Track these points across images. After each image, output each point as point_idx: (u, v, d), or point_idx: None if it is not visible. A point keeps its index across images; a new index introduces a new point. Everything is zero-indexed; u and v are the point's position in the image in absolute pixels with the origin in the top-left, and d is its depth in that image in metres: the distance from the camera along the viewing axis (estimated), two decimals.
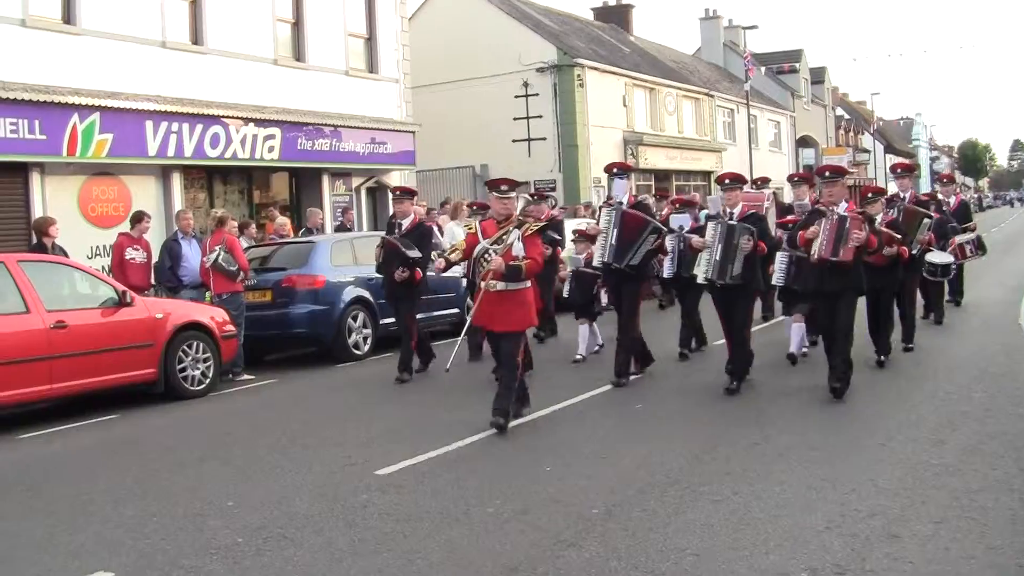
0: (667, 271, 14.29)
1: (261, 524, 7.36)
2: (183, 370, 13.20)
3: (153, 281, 16.06)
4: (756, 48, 58.73)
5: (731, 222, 11.48)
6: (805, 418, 10.25)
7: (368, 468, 8.89)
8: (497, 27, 37.66)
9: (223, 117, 22.28)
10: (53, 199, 18.94)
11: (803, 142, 62.61)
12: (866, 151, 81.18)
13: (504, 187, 10.44)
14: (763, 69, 57.89)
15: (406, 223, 14.09)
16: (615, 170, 12.77)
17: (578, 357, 14.67)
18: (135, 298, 12.90)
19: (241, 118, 22.72)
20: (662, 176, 43.38)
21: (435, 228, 16.86)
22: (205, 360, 13.43)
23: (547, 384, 12.55)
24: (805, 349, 13.82)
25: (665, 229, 12.97)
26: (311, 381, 13.42)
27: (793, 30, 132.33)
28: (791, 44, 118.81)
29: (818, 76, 67.56)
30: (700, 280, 11.74)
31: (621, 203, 12.49)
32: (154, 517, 7.71)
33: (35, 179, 18.90)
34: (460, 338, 11.09)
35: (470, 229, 10.87)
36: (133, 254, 15.72)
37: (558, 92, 37.55)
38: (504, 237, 10.12)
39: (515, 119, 36.90)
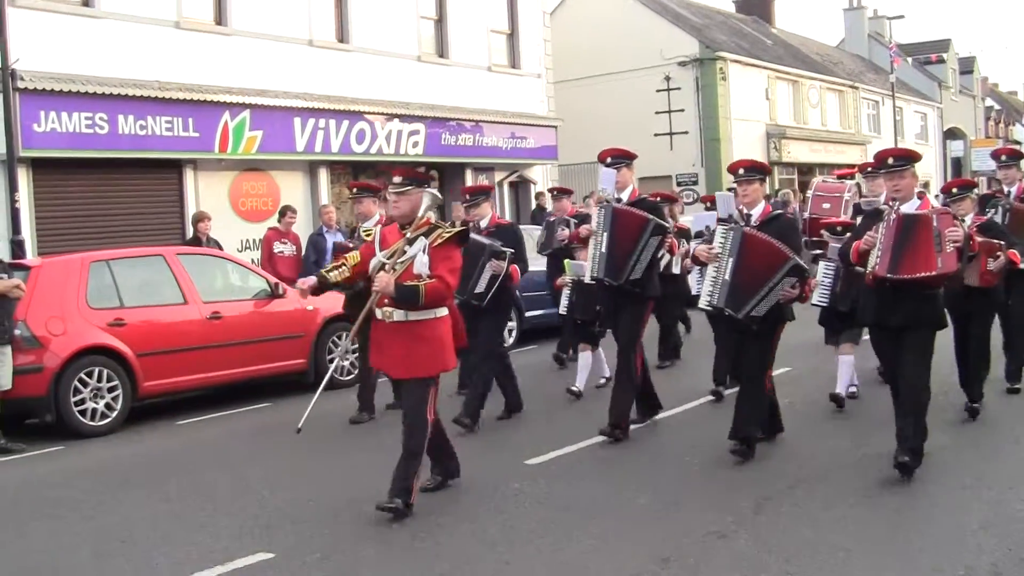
0: (694, 287, 11.19)
1: (415, 511, 7.37)
2: (332, 360, 13.23)
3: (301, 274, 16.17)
4: (902, 38, 57.18)
5: (747, 228, 8.37)
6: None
7: (518, 457, 8.89)
8: (639, 21, 37.18)
9: (368, 113, 22.44)
10: (205, 194, 19.27)
11: (951, 134, 60.55)
12: (1017, 143, 78.23)
13: (398, 179, 7.46)
14: (909, 60, 56.06)
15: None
16: (608, 159, 9.54)
17: (574, 389, 11.72)
18: (287, 290, 12.95)
19: (386, 114, 22.85)
20: (805, 170, 42.30)
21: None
22: (354, 351, 13.42)
23: (690, 375, 12.19)
24: (854, 388, 10.75)
25: (670, 227, 9.99)
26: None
27: (941, 19, 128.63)
28: (938, 33, 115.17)
29: (967, 66, 65.19)
30: (702, 305, 8.75)
31: (620, 199, 9.48)
32: (310, 502, 7.87)
33: (188, 175, 19.30)
34: (318, 391, 7.86)
35: (368, 236, 8.66)
36: (281, 247, 15.88)
37: (700, 86, 36.93)
38: (405, 248, 7.31)
39: (657, 113, 36.40)
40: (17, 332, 10.90)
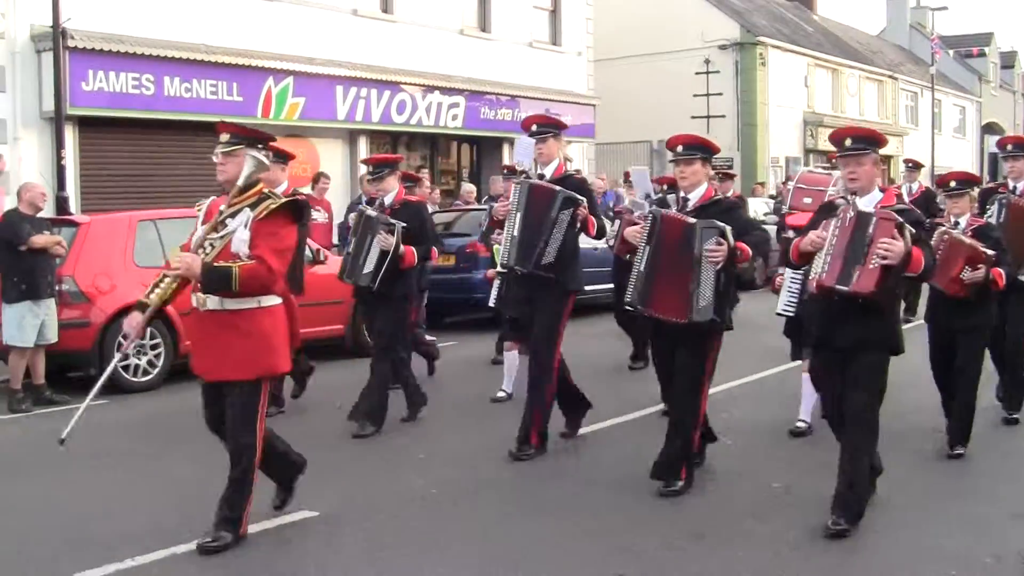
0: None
1: (453, 478, 7.56)
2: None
3: (336, 241, 16.27)
4: (944, 30, 56.46)
5: (676, 214, 7.04)
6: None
7: (551, 430, 8.67)
8: (680, 3, 37.00)
9: (409, 84, 22.52)
10: None
11: (989, 129, 60.02)
12: None
13: (225, 136, 6.35)
14: (950, 52, 55.62)
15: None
16: (533, 127, 8.31)
17: (500, 395, 10.58)
18: (328, 256, 13.05)
19: (427, 86, 22.92)
20: None
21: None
22: None
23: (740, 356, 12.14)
24: (801, 424, 8.91)
25: (581, 199, 8.05)
26: (487, 345, 13.38)
27: (984, 11, 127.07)
28: (981, 26, 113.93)
29: (1008, 60, 64.50)
30: (628, 304, 7.33)
31: (542, 175, 8.25)
32: (353, 462, 7.94)
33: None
34: (86, 400, 6.34)
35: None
36: (315, 215, 15.91)
37: (739, 70, 36.82)
38: (226, 221, 6.06)
39: (695, 96, 36.29)
40: (65, 287, 11.10)
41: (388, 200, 9.34)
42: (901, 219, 6.07)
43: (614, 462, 8.01)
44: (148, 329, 11.33)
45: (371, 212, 9.22)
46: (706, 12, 37.12)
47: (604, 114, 28.78)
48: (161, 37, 17.80)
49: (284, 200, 6.03)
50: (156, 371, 11.56)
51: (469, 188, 20.35)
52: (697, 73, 36.36)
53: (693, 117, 36.02)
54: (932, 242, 7.36)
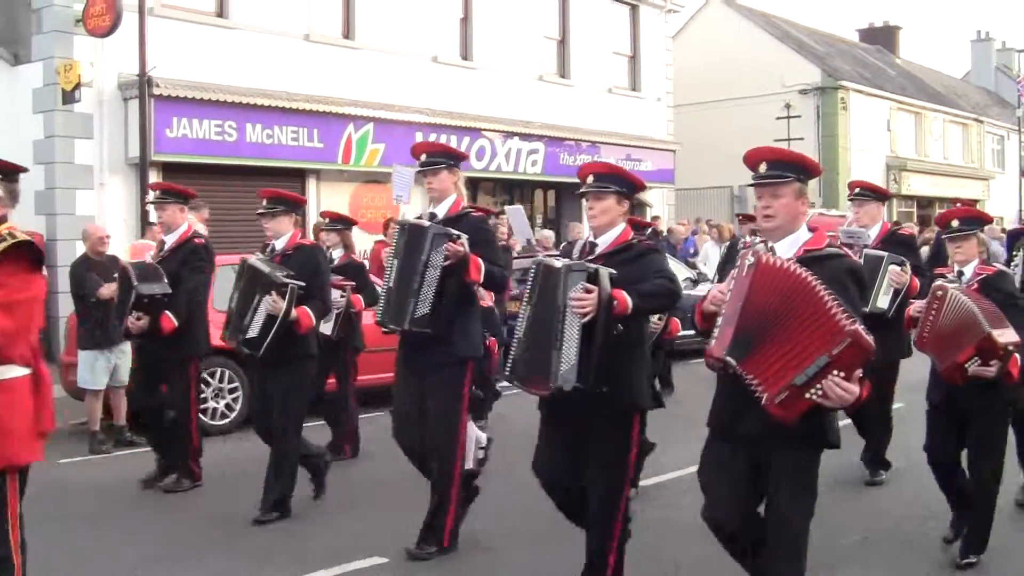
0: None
1: (513, 525, 7.44)
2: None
3: None
4: None
5: (578, 265, 5.50)
6: None
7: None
8: (760, 48, 36.75)
9: (489, 131, 22.51)
10: (327, 204, 19.33)
11: None
12: None
13: None
14: None
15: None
16: (423, 156, 6.92)
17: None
18: None
19: (506, 132, 22.90)
20: (925, 203, 41.37)
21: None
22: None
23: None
24: None
25: (456, 233, 6.54)
26: None
27: None
28: None
29: None
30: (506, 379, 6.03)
31: (433, 214, 6.85)
32: (422, 508, 7.64)
33: (311, 184, 19.52)
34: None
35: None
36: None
37: (820, 114, 36.37)
38: None
39: (776, 141, 35.80)
40: None
41: (280, 245, 7.98)
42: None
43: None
44: (227, 373, 11.43)
45: (256, 262, 7.74)
46: (786, 56, 36.78)
47: (684, 159, 28.53)
48: (243, 84, 17.97)
49: (11, 242, 4.48)
50: (233, 415, 11.52)
51: (546, 234, 20.24)
52: (778, 118, 35.93)
53: None
54: (919, 305, 6.57)
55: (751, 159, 4.98)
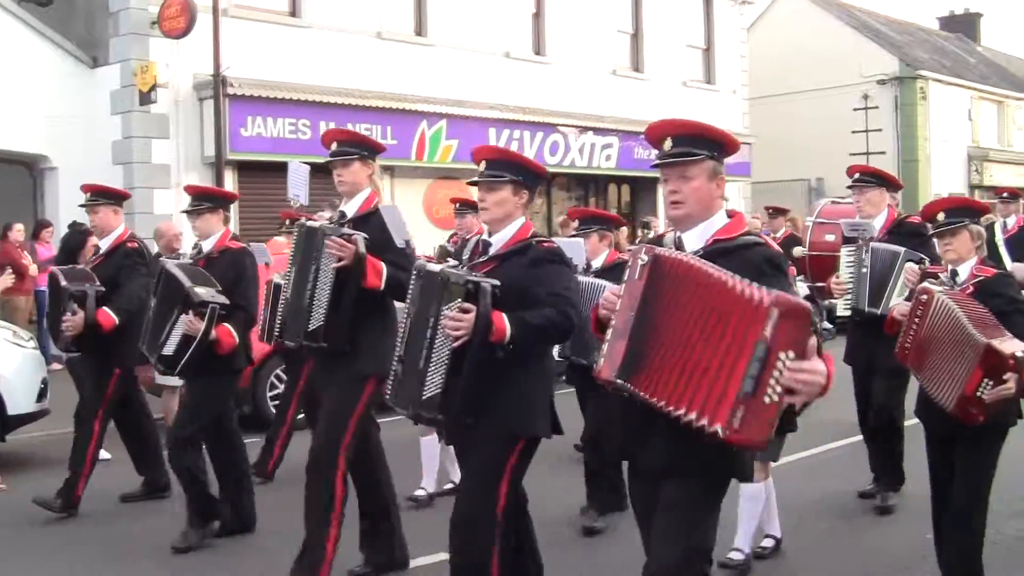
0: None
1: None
2: None
3: None
4: None
5: (457, 276, 4.70)
6: None
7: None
8: (837, 38, 36.01)
9: (562, 126, 22.30)
10: (400, 200, 19.30)
11: None
12: None
13: None
14: None
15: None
16: (333, 145, 6.06)
17: (419, 493, 8.03)
18: None
19: (580, 127, 22.67)
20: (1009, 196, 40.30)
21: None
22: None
23: None
24: (769, 542, 6.71)
25: (351, 232, 5.72)
26: None
27: None
28: None
29: None
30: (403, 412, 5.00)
31: (343, 213, 6.01)
32: None
33: (385, 181, 19.40)
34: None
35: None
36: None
37: (899, 104, 35.58)
38: None
39: (853, 132, 35.17)
40: None
41: (207, 246, 7.15)
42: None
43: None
44: None
45: (174, 270, 6.87)
46: (864, 46, 36.00)
47: (760, 152, 28.05)
48: (317, 83, 17.94)
49: None
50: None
51: (621, 228, 20.01)
52: (855, 109, 35.23)
53: (852, 154, 34.86)
54: (903, 308, 5.80)
55: (653, 134, 4.10)
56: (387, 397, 4.95)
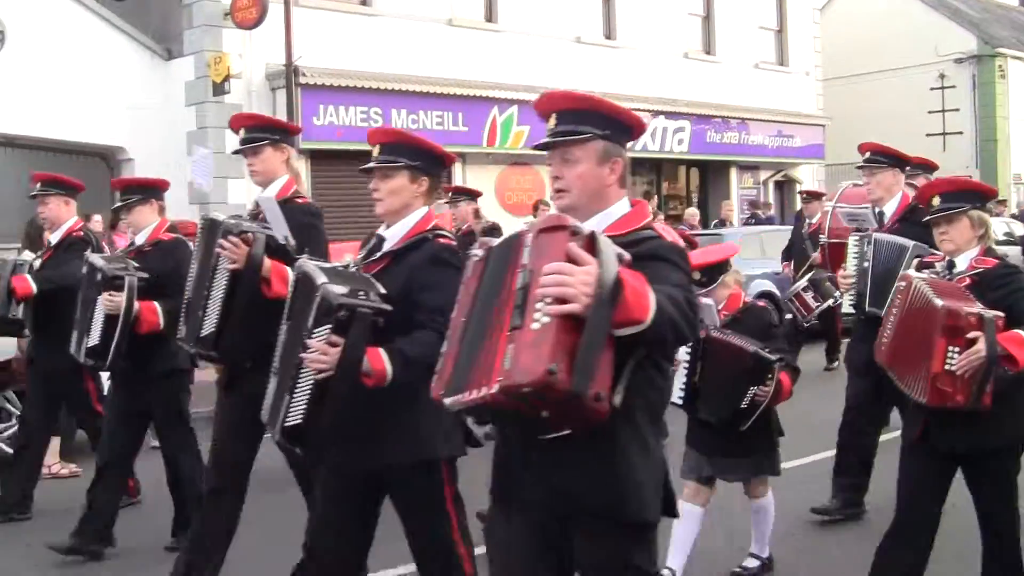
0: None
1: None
2: None
3: None
4: None
5: (336, 295, 3.90)
6: None
7: None
8: (912, 16, 35.22)
9: (635, 110, 21.84)
10: (473, 186, 19.25)
11: None
12: None
13: None
14: None
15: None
16: (241, 132, 5.50)
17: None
18: None
19: (652, 111, 22.40)
20: None
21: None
22: None
23: None
24: (748, 565, 6.05)
25: (252, 227, 5.10)
26: None
27: None
28: None
29: None
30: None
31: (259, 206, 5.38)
32: None
33: (457, 168, 19.34)
34: None
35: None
36: None
37: (977, 84, 34.72)
38: None
39: (930, 112, 34.44)
40: None
41: (140, 239, 6.55)
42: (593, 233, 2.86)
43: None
44: None
45: (97, 260, 6.32)
46: (940, 24, 35.18)
47: (835, 134, 27.52)
48: (388, 71, 17.87)
49: None
50: None
51: (692, 212, 19.81)
52: (932, 88, 34.50)
53: (928, 135, 34.21)
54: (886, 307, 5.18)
55: (539, 110, 3.48)
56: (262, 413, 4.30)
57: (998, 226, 21.51)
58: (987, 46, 34.71)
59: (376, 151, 4.36)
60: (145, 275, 6.19)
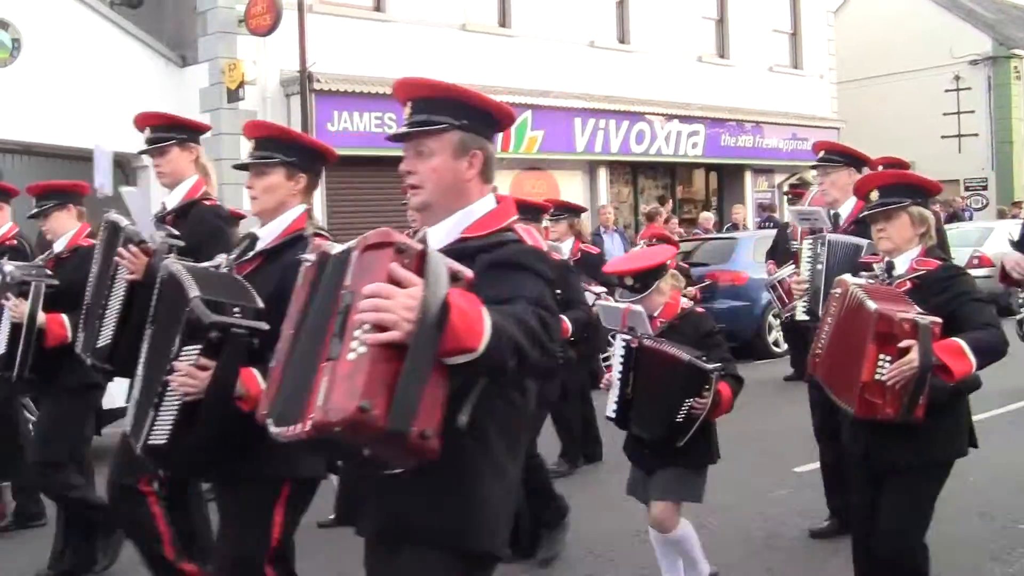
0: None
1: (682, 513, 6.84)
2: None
3: None
4: None
5: (191, 319, 3.61)
6: None
7: (787, 464, 8.39)
8: (926, 18, 35.00)
9: (648, 114, 22.00)
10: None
11: None
12: None
13: None
14: None
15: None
16: (147, 129, 5.36)
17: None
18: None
19: (665, 115, 22.36)
20: None
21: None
22: None
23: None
24: None
25: (142, 231, 4.88)
26: None
27: None
28: None
29: None
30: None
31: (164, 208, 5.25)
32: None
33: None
34: None
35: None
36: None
37: (992, 85, 34.51)
38: None
39: (944, 115, 34.25)
40: None
41: (58, 246, 6.15)
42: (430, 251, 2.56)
43: None
44: None
45: (7, 266, 5.97)
46: (955, 26, 34.98)
47: (850, 137, 27.30)
48: (401, 76, 17.80)
49: None
50: None
51: (707, 216, 19.76)
52: (946, 90, 34.31)
53: (943, 137, 34.05)
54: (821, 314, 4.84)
55: (396, 95, 3.23)
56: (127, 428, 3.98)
57: (1014, 228, 21.28)
58: (1002, 47, 34.50)
59: (252, 146, 4.13)
60: (55, 282, 5.84)
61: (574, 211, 9.39)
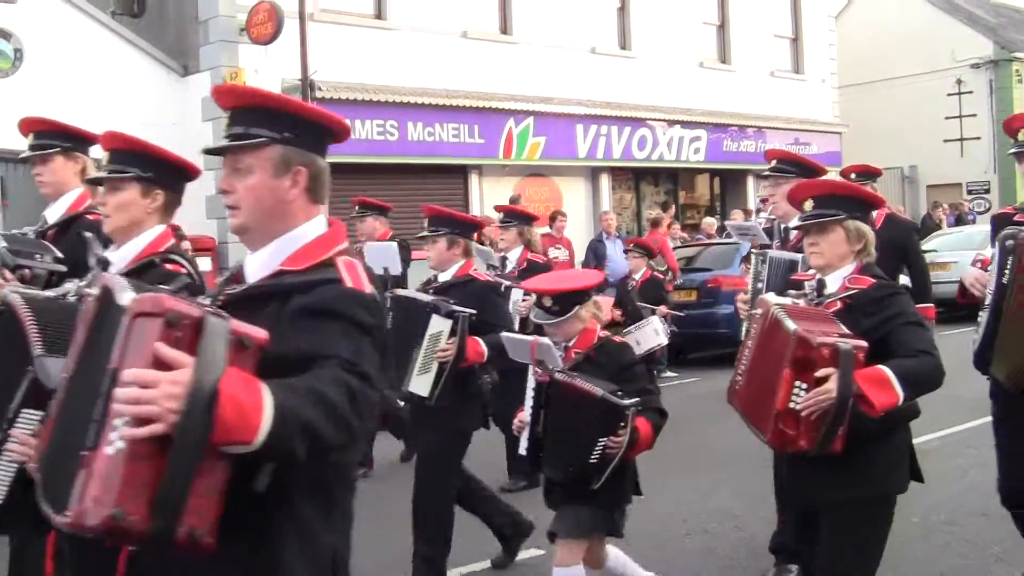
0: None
1: (684, 517, 7.20)
2: None
3: None
4: None
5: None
6: None
7: None
8: (928, 22, 34.95)
9: (650, 120, 21.98)
10: (489, 199, 19.13)
11: None
12: None
13: None
14: None
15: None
16: (30, 138, 5.03)
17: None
18: None
19: (667, 120, 22.34)
20: None
21: None
22: None
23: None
24: None
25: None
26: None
27: None
28: None
29: None
30: None
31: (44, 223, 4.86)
32: None
33: (473, 180, 19.36)
34: None
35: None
36: (556, 253, 15.58)
37: (994, 89, 34.45)
38: None
39: (947, 118, 34.21)
40: None
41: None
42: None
43: None
44: None
45: None
46: (956, 30, 34.92)
47: (852, 141, 27.39)
48: (403, 84, 17.83)
49: None
50: None
51: (709, 221, 19.75)
52: (949, 94, 34.26)
53: (946, 140, 34.00)
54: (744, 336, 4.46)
55: (219, 103, 2.84)
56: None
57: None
58: (1004, 51, 34.43)
59: (106, 158, 3.77)
60: None
61: (524, 218, 9.18)
